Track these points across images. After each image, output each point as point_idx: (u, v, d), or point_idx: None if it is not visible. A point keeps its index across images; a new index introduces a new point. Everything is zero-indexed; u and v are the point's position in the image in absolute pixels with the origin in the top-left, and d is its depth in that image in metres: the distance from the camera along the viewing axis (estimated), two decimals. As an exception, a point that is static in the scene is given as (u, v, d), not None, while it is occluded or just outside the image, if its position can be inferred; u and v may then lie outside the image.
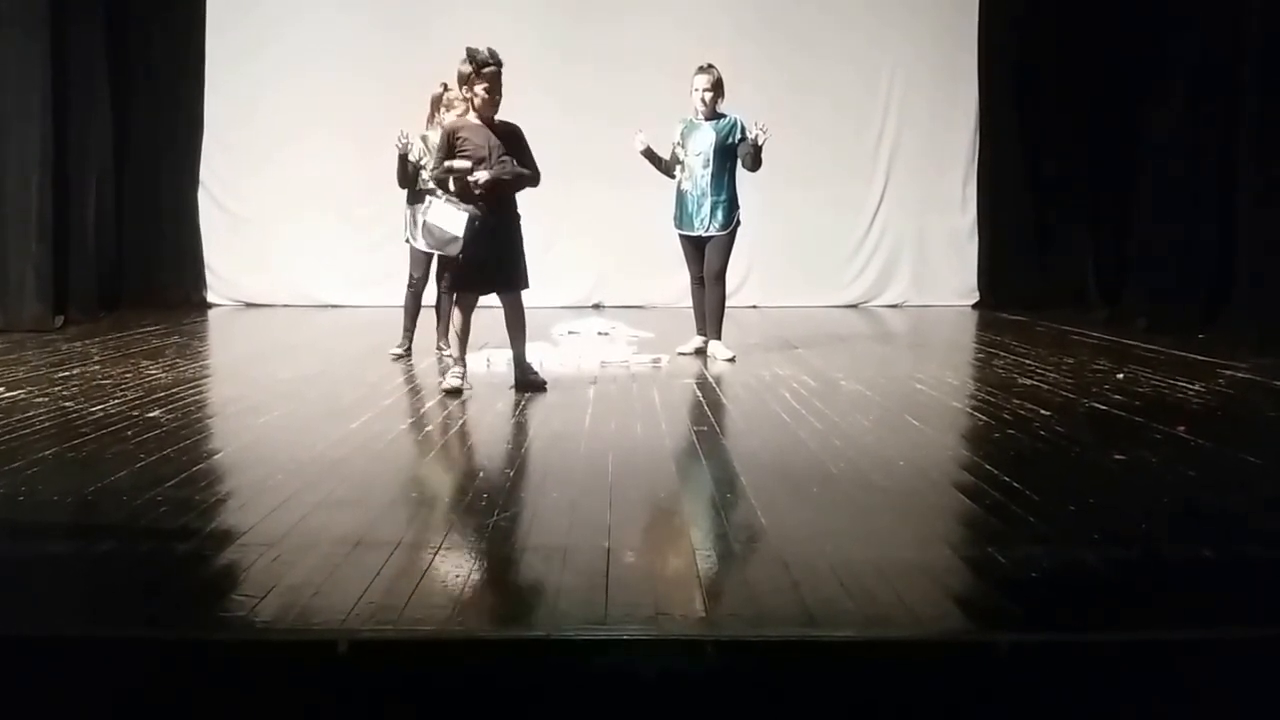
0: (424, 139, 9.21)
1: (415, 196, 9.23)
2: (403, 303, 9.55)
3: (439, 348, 9.45)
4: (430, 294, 9.49)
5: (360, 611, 3.57)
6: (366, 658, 3.36)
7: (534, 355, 9.31)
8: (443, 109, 9.22)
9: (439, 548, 4.32)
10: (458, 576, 4.03)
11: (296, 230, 13.99)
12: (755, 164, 9.36)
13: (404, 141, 9.07)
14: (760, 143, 9.24)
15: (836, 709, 3.36)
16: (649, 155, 9.61)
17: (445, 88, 9.26)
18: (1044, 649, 3.47)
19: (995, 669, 3.40)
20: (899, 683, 3.39)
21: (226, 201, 14.30)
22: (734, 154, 9.41)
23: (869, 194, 14.63)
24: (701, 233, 9.46)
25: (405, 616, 3.57)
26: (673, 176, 9.60)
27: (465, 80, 7.83)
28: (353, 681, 3.35)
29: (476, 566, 4.12)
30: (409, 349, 9.39)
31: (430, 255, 9.31)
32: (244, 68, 14.05)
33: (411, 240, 9.33)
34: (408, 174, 9.20)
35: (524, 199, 13.17)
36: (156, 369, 8.73)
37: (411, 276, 9.46)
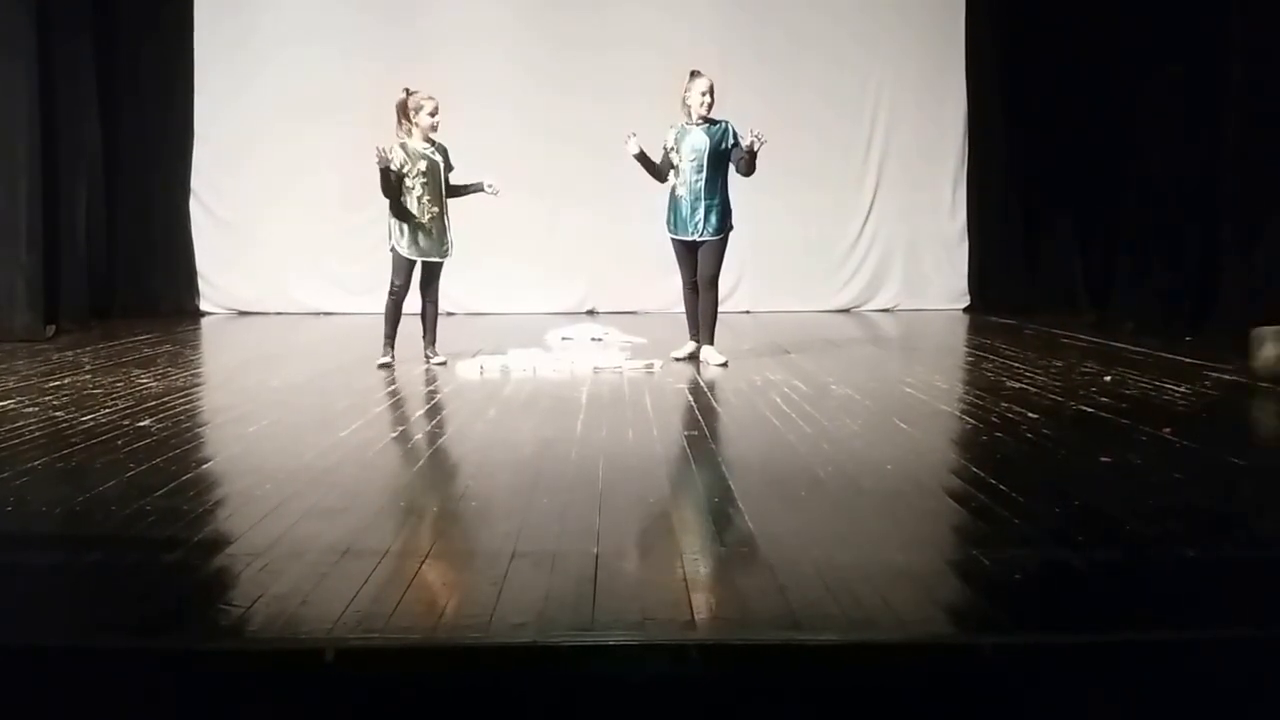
0: (404, 146, 9.22)
1: (399, 207, 9.24)
2: (383, 310, 9.53)
3: (427, 355, 9.46)
4: (413, 302, 9.49)
5: (347, 620, 3.58)
6: (353, 666, 3.37)
7: (528, 361, 9.37)
8: (411, 113, 9.24)
9: (427, 556, 4.33)
10: (445, 584, 4.04)
11: (288, 238, 14.03)
12: (749, 169, 9.35)
13: (384, 155, 9.05)
14: (756, 149, 9.21)
15: (822, 712, 3.37)
16: (642, 160, 9.59)
17: (408, 92, 9.29)
18: (1028, 651, 3.48)
19: (979, 671, 3.42)
20: (884, 686, 3.40)
21: (218, 210, 14.34)
22: (727, 159, 9.37)
23: (860, 199, 14.68)
24: (695, 237, 9.45)
25: (392, 624, 3.58)
26: (665, 181, 9.58)
27: None
28: (340, 689, 3.36)
29: (464, 573, 4.13)
30: (393, 357, 9.38)
31: (413, 263, 9.33)
32: (234, 76, 14.11)
33: (398, 249, 9.32)
34: (391, 185, 9.19)
35: (519, 204, 13.29)
36: (147, 378, 8.74)
37: (393, 284, 9.43)
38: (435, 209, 9.30)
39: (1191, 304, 11.11)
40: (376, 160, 9.02)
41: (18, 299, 11.49)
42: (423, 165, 9.23)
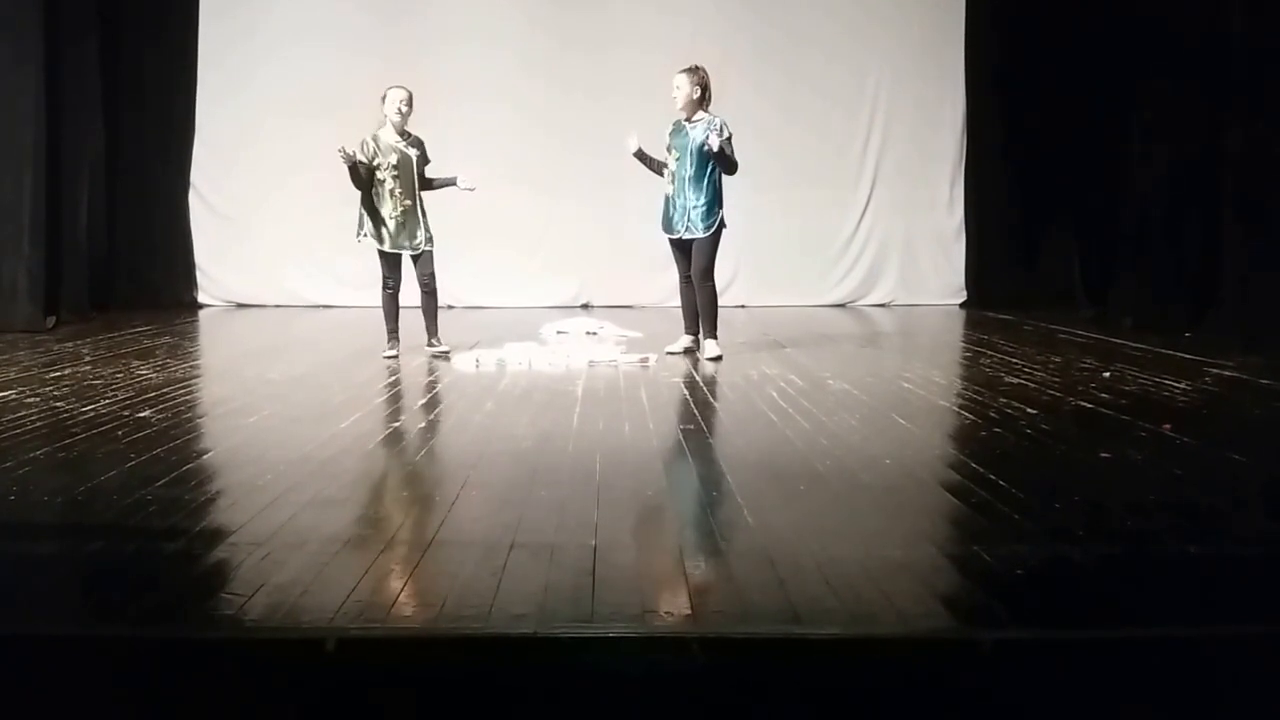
0: (375, 139, 9.23)
1: (368, 200, 9.25)
2: (381, 305, 9.55)
3: (430, 345, 9.47)
4: (410, 294, 9.49)
5: (348, 610, 3.59)
6: (354, 656, 3.38)
7: (524, 354, 9.37)
8: (383, 104, 9.24)
9: (426, 546, 4.33)
10: (445, 575, 4.04)
11: (286, 231, 14.02)
12: (726, 167, 9.29)
13: (346, 154, 9.06)
14: (714, 149, 9.07)
15: (822, 706, 3.38)
16: (641, 157, 9.56)
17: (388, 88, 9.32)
18: (1028, 646, 3.49)
19: (980, 666, 3.42)
20: (884, 680, 3.41)
21: (217, 203, 14.33)
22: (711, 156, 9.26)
23: (856, 194, 14.67)
24: (682, 235, 9.41)
25: (393, 615, 3.60)
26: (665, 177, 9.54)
27: None
28: (340, 679, 3.37)
29: (463, 565, 4.13)
30: (398, 350, 9.41)
31: (399, 256, 9.34)
32: (235, 72, 14.09)
33: (376, 242, 9.33)
34: (361, 178, 9.21)
35: (516, 199, 13.30)
36: (147, 369, 8.74)
37: (386, 280, 9.45)
38: (408, 202, 9.29)
39: (1190, 300, 11.11)
40: (342, 159, 9.03)
41: (19, 291, 11.50)
42: (394, 158, 9.24)
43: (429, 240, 9.38)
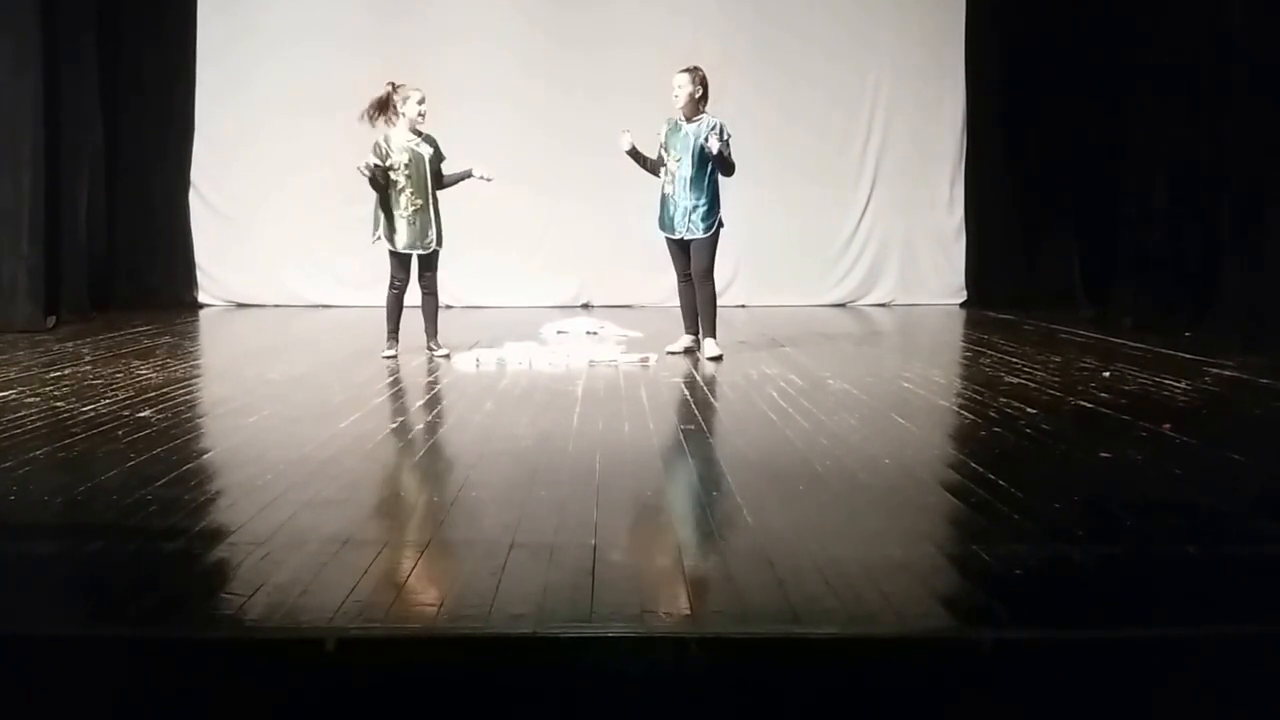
0: (386, 139, 9.22)
1: (384, 201, 9.24)
2: (385, 305, 9.55)
3: (429, 348, 9.46)
4: (413, 295, 9.49)
5: (348, 610, 3.59)
6: (354, 656, 3.38)
7: (524, 354, 9.37)
8: (398, 103, 9.20)
9: (426, 546, 4.34)
10: (444, 574, 4.05)
11: (287, 231, 14.01)
12: (724, 169, 9.33)
13: (366, 168, 9.07)
14: (713, 151, 9.12)
15: (821, 706, 3.38)
16: (634, 155, 9.55)
17: (393, 86, 9.27)
18: (1028, 646, 3.49)
19: (979, 666, 3.42)
20: (883, 680, 3.41)
21: (217, 202, 14.32)
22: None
23: (856, 193, 14.66)
24: (683, 235, 9.43)
25: (392, 614, 3.59)
26: (659, 176, 9.55)
27: None
28: (340, 679, 3.36)
29: (463, 564, 4.13)
30: (397, 350, 9.41)
31: (410, 256, 9.33)
32: (234, 71, 14.08)
33: (389, 243, 9.32)
34: (379, 183, 9.20)
35: (516, 198, 13.27)
36: (147, 369, 8.74)
37: (393, 278, 9.44)
38: (420, 201, 9.27)
39: (1190, 300, 11.11)
40: (363, 173, 9.03)
41: (19, 290, 11.50)
42: (405, 158, 9.21)
43: (439, 240, 9.37)
